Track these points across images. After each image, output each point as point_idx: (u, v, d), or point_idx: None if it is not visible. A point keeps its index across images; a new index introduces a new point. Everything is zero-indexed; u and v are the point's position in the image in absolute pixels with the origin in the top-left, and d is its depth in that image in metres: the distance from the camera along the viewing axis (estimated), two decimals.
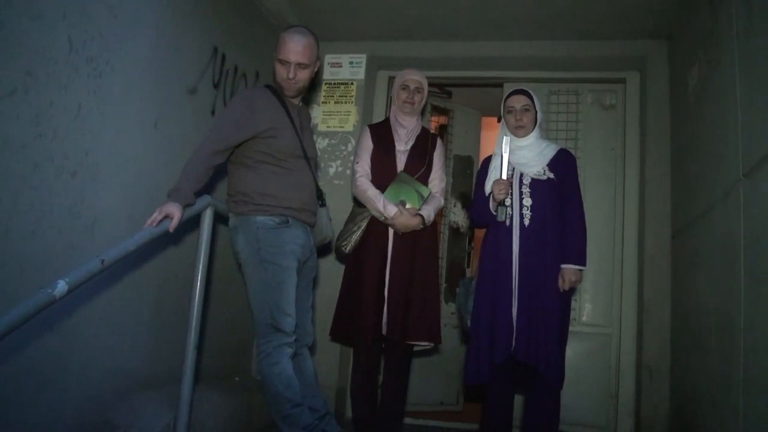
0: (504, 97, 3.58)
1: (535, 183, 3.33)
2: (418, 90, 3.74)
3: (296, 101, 3.13)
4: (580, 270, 3.28)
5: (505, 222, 3.32)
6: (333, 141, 4.77)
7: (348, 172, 4.66)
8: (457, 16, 4.45)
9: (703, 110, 3.52)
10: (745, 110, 2.80)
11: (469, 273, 5.40)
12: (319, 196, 3.18)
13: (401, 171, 3.67)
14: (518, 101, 3.43)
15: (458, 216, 5.39)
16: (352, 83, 4.83)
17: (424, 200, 3.62)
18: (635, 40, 4.58)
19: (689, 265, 3.75)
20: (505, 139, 3.31)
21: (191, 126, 3.47)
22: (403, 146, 3.75)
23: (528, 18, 4.44)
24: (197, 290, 2.84)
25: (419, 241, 3.63)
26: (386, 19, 4.55)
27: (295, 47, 2.94)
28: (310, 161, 3.11)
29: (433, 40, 4.81)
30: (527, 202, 3.30)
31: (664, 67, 4.51)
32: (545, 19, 4.44)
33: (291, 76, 2.96)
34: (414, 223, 3.56)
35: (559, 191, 3.33)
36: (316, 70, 3.10)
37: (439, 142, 3.88)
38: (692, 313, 3.60)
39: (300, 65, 2.96)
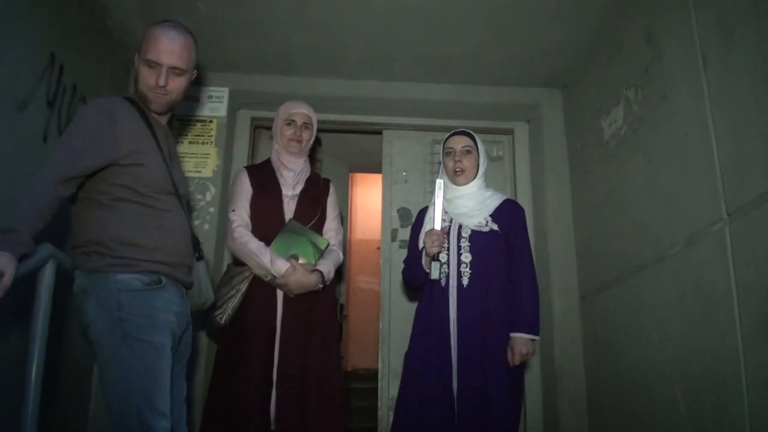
0: (444, 138, 3.10)
1: (475, 235, 2.83)
2: (307, 126, 3.12)
3: (164, 120, 2.39)
4: (533, 340, 2.74)
5: (440, 281, 2.78)
6: (189, 189, 3.88)
7: (207, 227, 3.82)
8: (339, 49, 3.88)
9: (637, 153, 3.17)
10: (727, 145, 2.45)
11: (341, 346, 4.68)
12: (196, 245, 2.41)
13: (291, 219, 2.98)
14: (458, 141, 2.99)
15: None
16: (211, 121, 4.02)
17: (321, 254, 2.94)
18: (527, 88, 4.29)
19: (620, 326, 3.32)
20: (438, 183, 2.83)
21: (18, 151, 2.58)
22: (290, 190, 3.08)
23: (417, 58, 3.98)
24: (32, 386, 1.94)
25: (316, 306, 2.94)
26: (256, 47, 3.85)
27: (170, 45, 2.23)
28: (182, 199, 2.37)
29: (306, 76, 4.17)
30: (466, 257, 2.80)
31: (558, 116, 4.23)
32: (435, 61, 4.02)
33: (162, 82, 2.23)
34: (311, 281, 2.87)
35: (504, 245, 2.85)
36: (192, 78, 2.38)
37: (332, 187, 3.25)
38: (633, 382, 3.15)
39: (175, 70, 2.25)
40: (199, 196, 3.87)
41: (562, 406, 3.74)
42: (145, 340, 2.04)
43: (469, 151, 2.95)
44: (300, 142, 3.08)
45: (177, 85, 2.29)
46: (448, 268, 2.80)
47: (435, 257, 2.77)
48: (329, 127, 4.40)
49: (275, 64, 4.06)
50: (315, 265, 2.91)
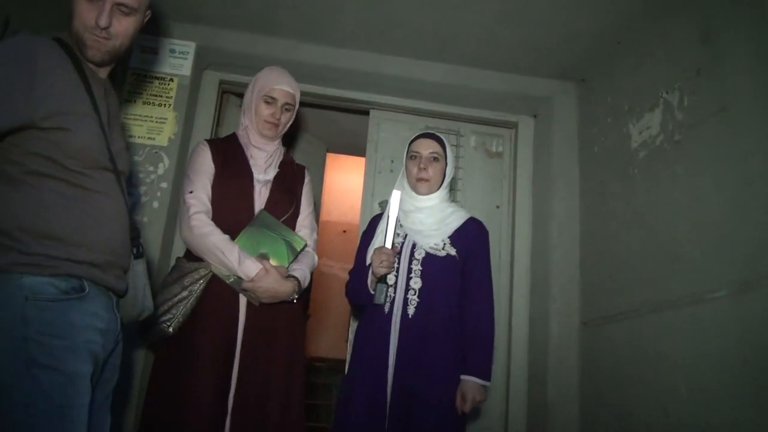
0: (409, 140, 2.69)
1: (429, 259, 2.48)
2: (288, 107, 2.56)
3: (103, 72, 1.84)
4: (484, 386, 2.39)
5: (383, 306, 2.44)
6: (137, 158, 3.25)
7: (156, 205, 3.22)
8: (329, 10, 3.29)
9: (677, 169, 2.68)
10: None
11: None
12: (135, 238, 1.86)
13: (262, 210, 2.43)
14: (426, 146, 2.61)
15: None
16: (171, 80, 3.39)
17: (296, 256, 2.42)
18: (537, 78, 3.77)
19: (632, 366, 2.85)
20: (395, 194, 2.45)
21: None
22: (262, 174, 2.52)
23: (418, 30, 3.42)
24: None
25: (282, 318, 2.39)
26: None
27: None
28: (121, 177, 1.82)
29: (288, 38, 3.57)
30: (416, 283, 2.44)
31: (571, 114, 3.72)
32: (437, 37, 3.46)
33: (104, 22, 1.69)
34: (285, 290, 2.34)
35: (460, 273, 2.50)
36: (145, 21, 1.86)
37: (307, 176, 2.73)
38: None
39: (122, 7, 1.72)
40: (150, 168, 3.25)
41: None
42: (57, 368, 1.53)
43: (436, 159, 2.59)
44: (277, 125, 2.53)
45: (123, 27, 1.75)
46: (395, 292, 2.45)
47: (382, 279, 2.43)
48: (310, 101, 3.82)
49: (253, 21, 3.45)
50: (288, 268, 2.38)
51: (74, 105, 1.66)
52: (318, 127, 4.38)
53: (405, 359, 2.36)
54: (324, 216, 6.93)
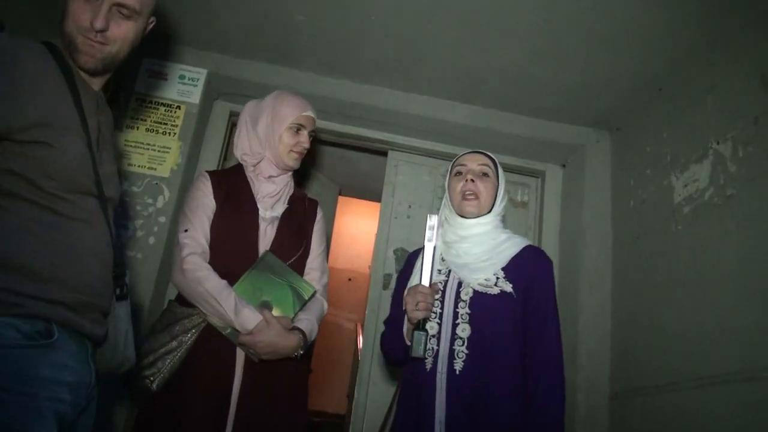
0: (455, 158, 2.26)
1: (479, 299, 1.96)
2: (312, 134, 2.38)
3: (97, 84, 1.63)
4: None
5: (424, 360, 1.95)
6: (136, 188, 3.02)
7: (152, 240, 2.96)
8: (353, 42, 3.10)
9: (730, 227, 2.42)
10: None
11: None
12: (119, 276, 1.60)
13: (267, 251, 2.16)
14: (475, 159, 2.18)
15: None
16: (179, 107, 3.17)
17: (303, 305, 2.15)
18: (568, 125, 3.57)
19: None
20: (430, 218, 1.98)
21: None
22: (269, 211, 2.26)
23: (445, 69, 3.23)
24: None
25: (284, 377, 2.10)
26: (249, 23, 3.03)
27: None
28: (108, 205, 1.57)
29: (306, 70, 3.38)
30: (463, 331, 1.94)
31: (604, 164, 3.50)
32: (466, 76, 3.26)
33: (100, 25, 1.50)
34: (289, 345, 2.04)
35: (519, 315, 1.97)
36: (148, 29, 1.66)
37: (320, 212, 2.46)
38: None
39: (122, 9, 1.54)
40: (149, 200, 3.00)
41: None
42: (14, 429, 1.26)
43: (486, 174, 2.15)
44: (302, 154, 2.33)
45: (122, 32, 1.55)
46: (438, 343, 1.96)
47: (420, 326, 1.92)
48: (325, 138, 3.62)
49: (270, 50, 3.26)
50: (294, 319, 2.10)
51: (59, 117, 1.43)
52: (332, 167, 4.16)
53: (456, 424, 1.88)
54: (330, 262, 6.66)
